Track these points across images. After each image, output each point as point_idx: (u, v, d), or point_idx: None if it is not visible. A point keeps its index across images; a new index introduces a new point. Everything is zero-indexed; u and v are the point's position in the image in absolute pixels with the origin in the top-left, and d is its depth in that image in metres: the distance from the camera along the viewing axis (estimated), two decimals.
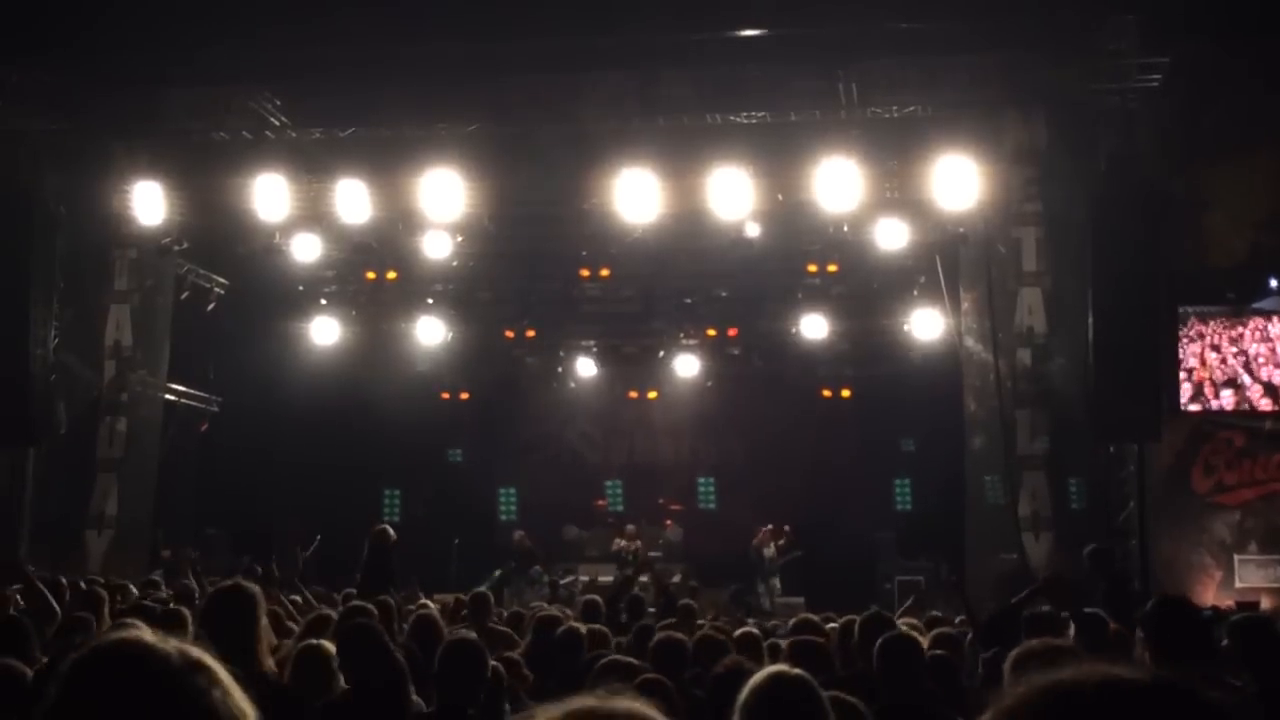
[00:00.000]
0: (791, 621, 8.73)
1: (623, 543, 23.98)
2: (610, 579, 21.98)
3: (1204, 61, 18.76)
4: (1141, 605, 10.20)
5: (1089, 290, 17.74)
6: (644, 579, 21.74)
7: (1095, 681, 1.43)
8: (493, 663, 6.37)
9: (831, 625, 10.22)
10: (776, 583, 23.13)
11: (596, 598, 13.17)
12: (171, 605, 9.86)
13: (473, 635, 6.90)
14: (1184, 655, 5.57)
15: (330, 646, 6.47)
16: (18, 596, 10.32)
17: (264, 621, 5.68)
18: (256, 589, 5.74)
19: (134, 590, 13.90)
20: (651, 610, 14.31)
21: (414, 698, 6.47)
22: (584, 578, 22.61)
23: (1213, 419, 18.83)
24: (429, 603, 13.43)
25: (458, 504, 26.16)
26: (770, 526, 23.92)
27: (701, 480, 27.59)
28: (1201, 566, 18.46)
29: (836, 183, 18.88)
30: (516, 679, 7.56)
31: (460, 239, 21.94)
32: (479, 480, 27.37)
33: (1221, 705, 1.43)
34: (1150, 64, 17.92)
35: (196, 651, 1.91)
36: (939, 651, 8.10)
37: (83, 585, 11.69)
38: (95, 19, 18.91)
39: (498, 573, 21.50)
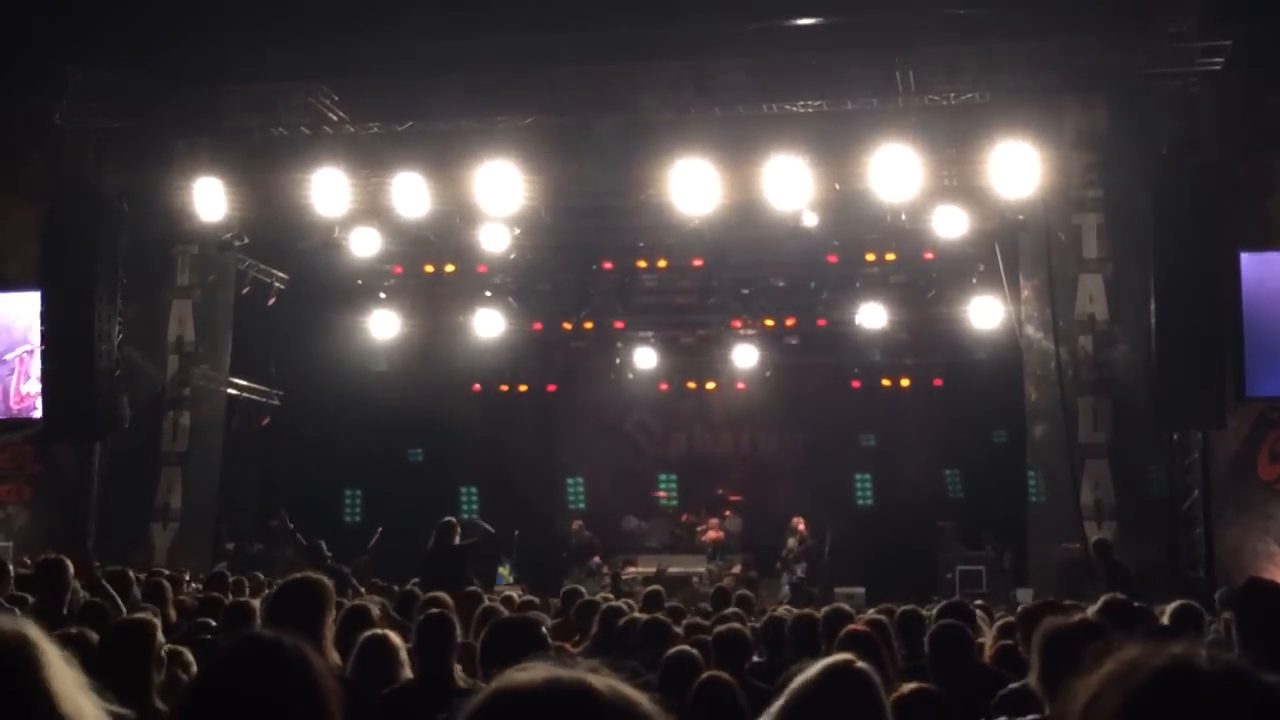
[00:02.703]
0: (823, 610, 8.71)
1: (713, 534, 24.07)
2: (678, 570, 22.11)
3: (1266, 44, 18.54)
4: (1136, 593, 10.15)
5: (1151, 276, 17.57)
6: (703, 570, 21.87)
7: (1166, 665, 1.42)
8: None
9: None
10: (799, 571, 22.95)
11: (659, 588, 13.20)
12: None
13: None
14: (1272, 638, 5.53)
15: (395, 637, 6.52)
16: (83, 591, 10.43)
17: (332, 614, 5.71)
18: (327, 581, 5.79)
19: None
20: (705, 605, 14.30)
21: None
22: (646, 569, 22.62)
23: (1278, 406, 18.62)
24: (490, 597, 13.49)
25: (517, 496, 26.25)
26: (798, 519, 23.83)
27: (759, 470, 27.53)
28: (1267, 554, 18.27)
29: (894, 171, 18.80)
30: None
31: (518, 231, 22.01)
32: (538, 471, 27.43)
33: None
34: (1212, 47, 17.71)
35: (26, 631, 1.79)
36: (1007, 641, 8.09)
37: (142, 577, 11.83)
38: (156, 18, 19.12)
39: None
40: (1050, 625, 4.84)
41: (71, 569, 8.88)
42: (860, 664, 3.96)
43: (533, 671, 1.51)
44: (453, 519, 16.28)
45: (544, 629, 6.44)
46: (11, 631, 1.78)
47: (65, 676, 1.77)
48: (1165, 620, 7.89)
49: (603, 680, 1.51)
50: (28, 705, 1.68)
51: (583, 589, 13.32)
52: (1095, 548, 16.19)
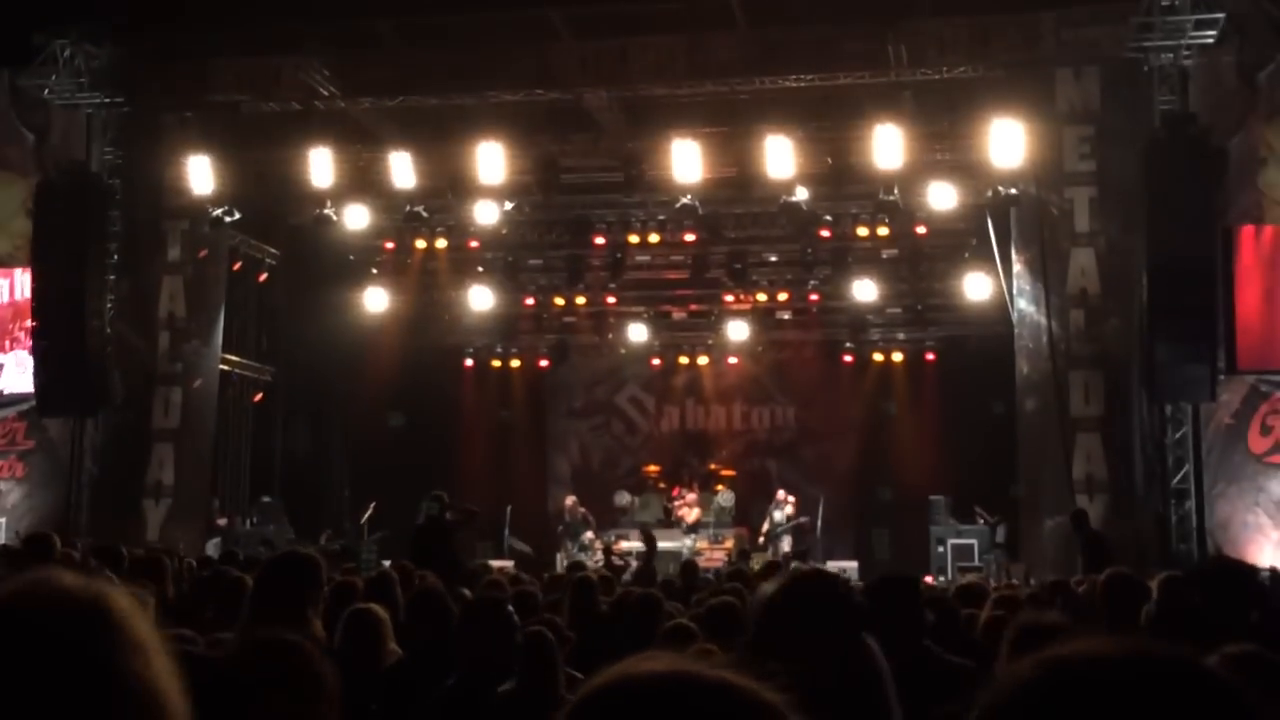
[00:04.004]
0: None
1: (686, 509, 24.03)
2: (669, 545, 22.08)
3: (1259, 17, 18.50)
4: (1112, 564, 10.20)
5: (1143, 250, 17.57)
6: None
7: (1096, 657, 1.39)
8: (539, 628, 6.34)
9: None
10: (785, 545, 22.95)
11: (650, 564, 13.23)
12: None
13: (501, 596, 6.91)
14: (1236, 615, 5.55)
15: (381, 612, 6.49)
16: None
17: (321, 589, 5.69)
18: (316, 556, 5.77)
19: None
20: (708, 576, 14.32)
21: None
22: (639, 544, 22.61)
23: (1270, 379, 18.63)
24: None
25: (509, 471, 26.28)
26: (782, 492, 23.84)
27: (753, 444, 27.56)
28: (1258, 527, 18.29)
29: (886, 145, 18.79)
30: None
31: (509, 206, 21.97)
32: (530, 447, 27.46)
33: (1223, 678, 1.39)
34: (1205, 20, 17.67)
35: (118, 604, 1.54)
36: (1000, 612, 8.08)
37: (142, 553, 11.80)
38: None
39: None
40: (1025, 620, 4.78)
41: (59, 544, 8.87)
42: (820, 567, 3.97)
43: (657, 662, 1.45)
44: (443, 493, 16.22)
45: (511, 609, 6.34)
46: (85, 594, 1.52)
47: (144, 643, 1.51)
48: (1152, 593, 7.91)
49: (736, 675, 1.45)
50: (105, 682, 1.51)
51: (586, 562, 13.29)
52: (1073, 519, 16.24)
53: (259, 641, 2.91)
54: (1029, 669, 1.37)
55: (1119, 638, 1.39)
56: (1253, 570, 6.74)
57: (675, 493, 25.09)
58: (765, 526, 23.26)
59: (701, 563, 17.77)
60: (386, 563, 14.64)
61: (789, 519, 23.09)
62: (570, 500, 23.78)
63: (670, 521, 24.01)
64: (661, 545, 22.05)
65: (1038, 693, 1.34)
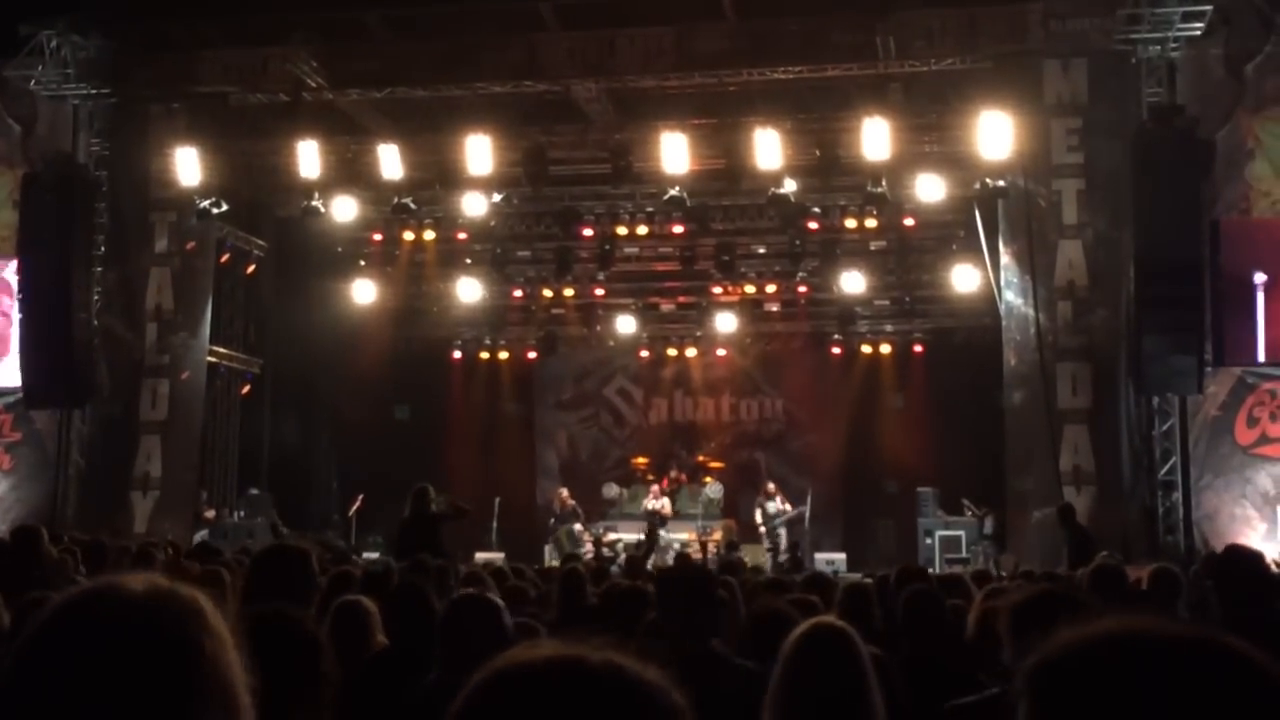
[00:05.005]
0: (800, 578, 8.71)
1: (654, 502, 23.94)
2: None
3: (1246, 9, 18.54)
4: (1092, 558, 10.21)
5: (1131, 242, 17.61)
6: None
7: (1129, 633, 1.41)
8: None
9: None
10: (783, 537, 22.93)
11: (640, 554, 13.23)
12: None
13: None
14: (1250, 605, 5.57)
15: (369, 604, 6.48)
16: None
17: (315, 581, 5.68)
18: (306, 548, 5.77)
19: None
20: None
21: None
22: (627, 536, 22.63)
23: (1256, 371, 18.68)
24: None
25: (498, 463, 26.28)
26: (773, 485, 23.84)
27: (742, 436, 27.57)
28: (1244, 518, 18.36)
29: (875, 137, 18.79)
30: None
31: (497, 198, 21.94)
32: (518, 439, 27.46)
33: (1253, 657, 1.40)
34: (1192, 12, 17.73)
35: (189, 596, 1.68)
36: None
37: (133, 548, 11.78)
38: None
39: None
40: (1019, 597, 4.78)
41: (47, 538, 8.85)
42: (838, 623, 3.99)
43: (536, 649, 1.48)
44: (427, 485, 16.19)
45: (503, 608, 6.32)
46: (180, 598, 1.66)
47: (224, 636, 1.67)
48: (1144, 584, 7.92)
49: (610, 657, 1.47)
50: (192, 689, 1.64)
51: (579, 555, 13.26)
52: (1059, 513, 16.24)
53: (255, 613, 2.93)
54: (1071, 641, 1.40)
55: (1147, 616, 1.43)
56: (1262, 560, 6.73)
57: (664, 484, 25.08)
58: (758, 519, 23.22)
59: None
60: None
61: (781, 512, 23.08)
62: (564, 493, 23.77)
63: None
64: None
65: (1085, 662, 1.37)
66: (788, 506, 23.18)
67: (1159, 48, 18.07)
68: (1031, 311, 19.00)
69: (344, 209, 21.98)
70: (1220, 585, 6.03)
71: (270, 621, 3.33)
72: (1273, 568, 7.90)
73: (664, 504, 23.56)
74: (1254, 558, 6.49)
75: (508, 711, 1.43)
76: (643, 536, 21.60)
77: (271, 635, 3.23)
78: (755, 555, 21.40)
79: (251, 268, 24.17)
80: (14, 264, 20.78)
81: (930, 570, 18.47)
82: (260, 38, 19.99)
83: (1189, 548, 17.50)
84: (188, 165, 20.40)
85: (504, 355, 27.58)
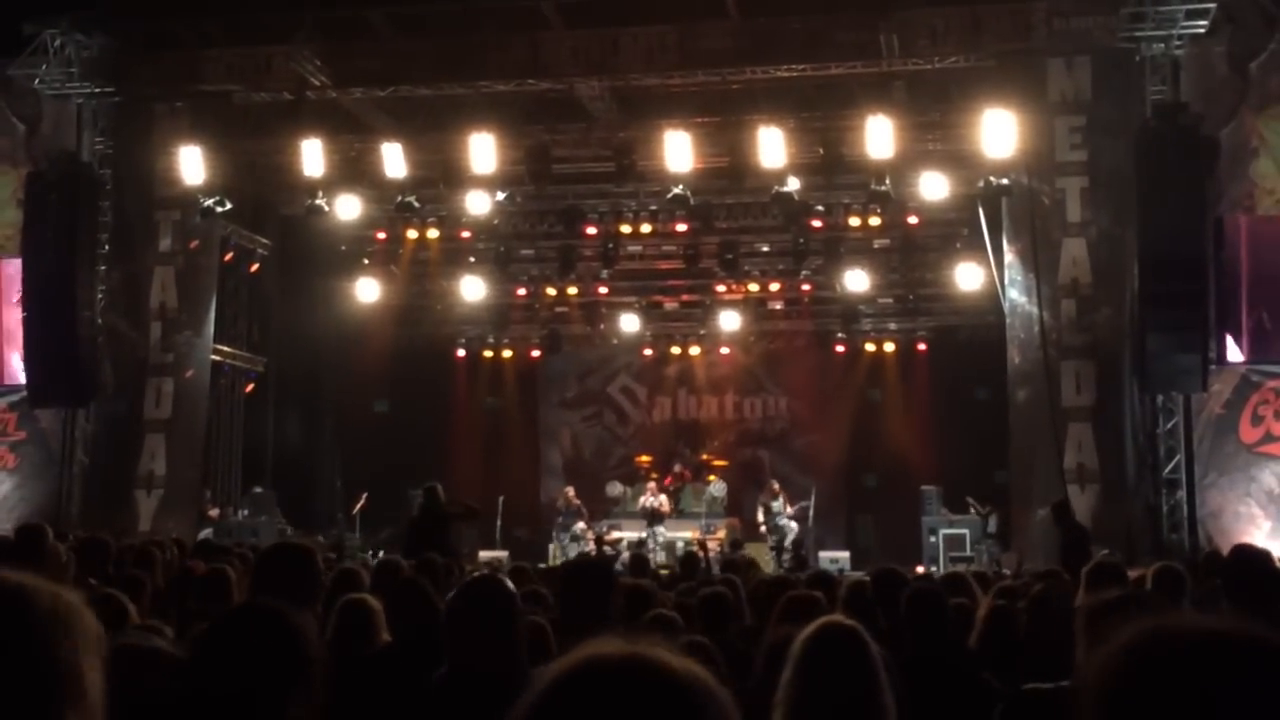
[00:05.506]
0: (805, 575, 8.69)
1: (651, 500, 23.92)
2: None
3: (1250, 7, 18.52)
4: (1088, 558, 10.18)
5: (1135, 240, 17.59)
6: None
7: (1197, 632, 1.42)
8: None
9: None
10: (790, 534, 22.90)
11: (643, 552, 13.23)
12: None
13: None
14: (1259, 604, 5.57)
15: (374, 601, 6.49)
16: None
17: (319, 579, 5.69)
18: (310, 545, 5.78)
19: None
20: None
21: None
22: (630, 534, 22.66)
23: (1260, 369, 18.67)
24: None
25: (502, 462, 26.29)
26: (776, 484, 23.81)
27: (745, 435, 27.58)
28: (1249, 516, 18.34)
29: (878, 135, 18.77)
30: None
31: (501, 196, 21.94)
32: (522, 437, 27.47)
33: None
34: (1196, 10, 17.70)
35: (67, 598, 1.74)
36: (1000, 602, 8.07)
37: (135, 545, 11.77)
38: None
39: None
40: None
41: (51, 536, 8.85)
42: (849, 622, 3.98)
43: (611, 645, 1.49)
44: (437, 484, 16.19)
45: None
46: (45, 591, 1.73)
47: (80, 637, 1.71)
48: (1147, 582, 7.90)
49: (677, 658, 1.49)
50: (33, 672, 1.68)
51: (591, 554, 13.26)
52: (1053, 509, 16.16)
53: (243, 608, 2.96)
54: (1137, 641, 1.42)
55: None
56: (1271, 559, 6.73)
57: (668, 482, 25.08)
58: (761, 517, 23.19)
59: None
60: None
61: (784, 509, 23.07)
62: (570, 491, 23.76)
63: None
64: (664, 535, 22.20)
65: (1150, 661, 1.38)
66: (790, 509, 23.18)
67: (1163, 45, 18.05)
68: (1035, 309, 18.98)
69: (348, 207, 21.98)
70: (1229, 584, 6.02)
71: (253, 615, 3.36)
72: None
73: (661, 501, 23.46)
74: (1262, 557, 6.49)
75: (596, 708, 1.44)
76: (643, 535, 21.68)
77: (254, 628, 3.26)
78: (759, 554, 21.41)
79: (255, 266, 24.19)
80: (18, 263, 20.80)
81: (933, 570, 18.56)
82: (264, 36, 19.97)
83: (1193, 546, 17.47)
84: (192, 164, 20.40)
85: (507, 353, 27.60)
